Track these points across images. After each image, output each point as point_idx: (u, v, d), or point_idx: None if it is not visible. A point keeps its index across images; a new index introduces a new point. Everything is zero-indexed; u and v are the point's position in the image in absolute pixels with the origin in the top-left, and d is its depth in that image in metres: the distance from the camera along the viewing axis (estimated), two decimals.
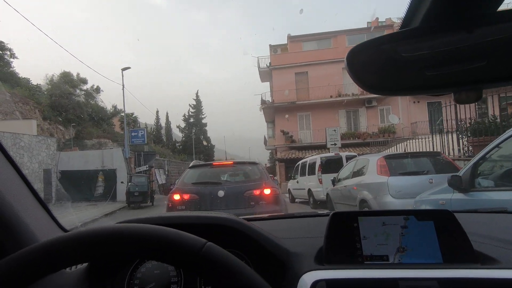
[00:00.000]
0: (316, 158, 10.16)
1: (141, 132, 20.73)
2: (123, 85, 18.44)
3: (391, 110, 21.61)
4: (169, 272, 0.81)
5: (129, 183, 13.68)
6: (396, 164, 4.95)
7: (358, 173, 5.78)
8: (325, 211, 1.27)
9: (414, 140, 10.83)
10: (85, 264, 0.76)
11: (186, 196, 4.12)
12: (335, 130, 13.04)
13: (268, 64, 23.98)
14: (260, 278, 0.45)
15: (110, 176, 16.79)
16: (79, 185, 16.16)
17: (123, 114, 29.15)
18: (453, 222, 0.75)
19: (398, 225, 0.75)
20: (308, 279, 0.67)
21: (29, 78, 27.37)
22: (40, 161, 15.43)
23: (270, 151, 34.09)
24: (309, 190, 10.19)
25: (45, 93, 24.86)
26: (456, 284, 0.63)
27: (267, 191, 4.10)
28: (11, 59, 24.90)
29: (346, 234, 0.76)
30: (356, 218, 0.77)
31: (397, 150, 12.09)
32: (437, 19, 0.46)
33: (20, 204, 0.73)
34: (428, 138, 9.78)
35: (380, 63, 0.51)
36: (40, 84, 26.65)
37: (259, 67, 24.54)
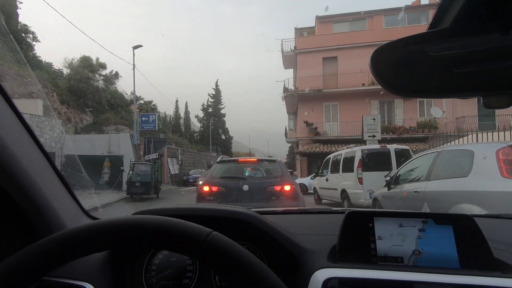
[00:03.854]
0: (355, 150, 7.81)
1: (152, 117, 19.29)
2: (133, 65, 17.03)
3: (433, 103, 18.75)
4: (185, 260, 0.83)
5: (131, 172, 12.07)
6: None
7: (446, 172, 3.62)
8: (339, 208, 1.20)
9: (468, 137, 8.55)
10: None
11: (214, 188, 4.50)
12: (374, 119, 10.73)
13: (292, 48, 21.67)
14: (265, 267, 0.45)
15: (116, 163, 15.43)
16: (84, 171, 14.90)
17: (141, 101, 28.28)
18: (473, 227, 0.72)
19: (416, 228, 0.73)
20: (321, 276, 0.66)
21: (52, 63, 26.95)
22: (43, 143, 14.22)
23: (290, 144, 31.98)
24: (344, 191, 8.00)
25: (66, 77, 24.12)
26: None
27: (287, 188, 4.41)
28: (34, 42, 24.39)
29: (360, 233, 0.74)
30: (372, 218, 0.75)
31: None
32: (469, 19, 0.44)
33: (50, 189, 0.75)
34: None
35: (406, 64, 0.49)
36: (61, 69, 26.15)
37: (282, 51, 22.28)
